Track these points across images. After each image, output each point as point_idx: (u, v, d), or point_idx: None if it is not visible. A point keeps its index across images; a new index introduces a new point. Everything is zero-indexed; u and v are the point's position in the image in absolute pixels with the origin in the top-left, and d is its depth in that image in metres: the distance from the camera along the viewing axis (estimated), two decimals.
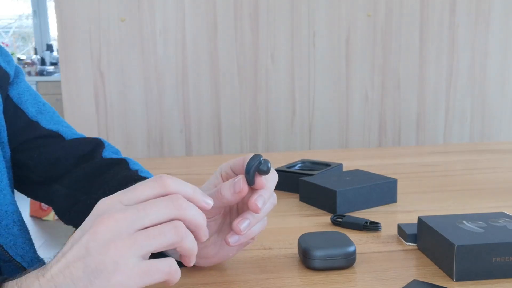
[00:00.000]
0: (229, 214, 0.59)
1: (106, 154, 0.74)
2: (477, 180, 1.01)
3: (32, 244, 0.70)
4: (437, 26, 1.75)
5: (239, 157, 0.56)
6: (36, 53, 5.56)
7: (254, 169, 0.51)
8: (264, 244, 0.68)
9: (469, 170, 1.12)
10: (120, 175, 0.69)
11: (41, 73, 5.18)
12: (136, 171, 0.71)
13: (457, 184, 0.99)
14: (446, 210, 0.81)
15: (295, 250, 0.65)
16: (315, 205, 0.85)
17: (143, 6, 1.59)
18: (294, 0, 1.67)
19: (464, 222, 0.62)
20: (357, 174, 0.91)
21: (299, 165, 1.03)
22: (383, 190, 0.85)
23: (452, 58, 1.79)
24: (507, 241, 0.55)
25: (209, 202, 0.47)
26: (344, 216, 0.76)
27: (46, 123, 0.73)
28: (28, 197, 0.76)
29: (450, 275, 0.56)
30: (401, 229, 0.69)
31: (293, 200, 0.89)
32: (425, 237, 0.63)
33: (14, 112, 0.71)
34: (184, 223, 0.44)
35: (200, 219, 0.45)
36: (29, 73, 5.13)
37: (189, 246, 0.44)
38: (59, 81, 3.54)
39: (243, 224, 0.53)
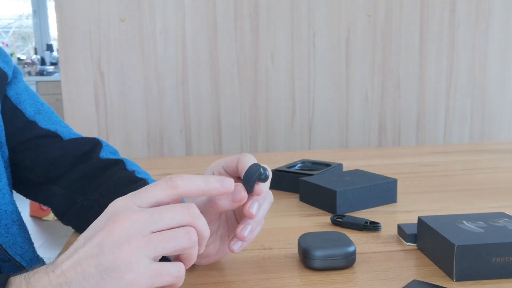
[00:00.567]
0: (225, 211, 0.59)
1: (104, 154, 0.74)
2: (477, 180, 1.01)
3: (32, 244, 0.70)
4: (437, 26, 1.75)
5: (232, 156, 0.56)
6: (36, 53, 5.56)
7: (255, 180, 0.51)
8: (264, 244, 0.68)
9: (469, 170, 1.12)
10: (117, 176, 0.69)
11: (41, 73, 5.18)
12: (133, 172, 0.71)
13: (457, 184, 0.98)
14: (446, 210, 0.81)
15: (295, 250, 0.65)
16: (315, 205, 0.85)
17: (143, 6, 1.59)
18: (294, 0, 1.67)
19: (464, 222, 0.62)
20: (357, 174, 0.91)
21: (299, 165, 1.03)
22: (383, 190, 0.85)
23: (452, 58, 1.78)
24: (507, 241, 0.55)
25: (228, 185, 0.48)
26: (344, 216, 0.76)
27: (44, 123, 0.73)
28: (26, 198, 0.76)
29: (450, 275, 0.56)
30: (401, 229, 0.69)
31: (293, 200, 0.89)
32: (425, 237, 0.63)
33: (12, 112, 0.71)
34: None
35: (207, 231, 0.46)
36: (29, 73, 5.13)
37: (195, 253, 0.46)
38: (59, 81, 3.54)
39: (246, 230, 0.54)
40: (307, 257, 0.59)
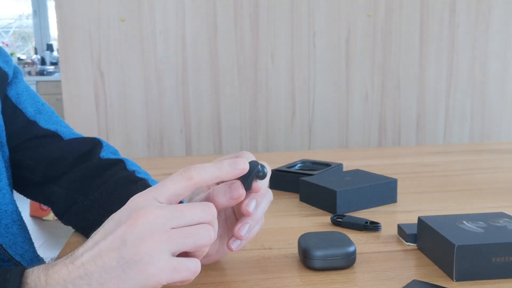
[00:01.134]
0: (224, 210, 0.59)
1: (104, 154, 0.74)
2: (477, 180, 1.01)
3: (32, 244, 0.70)
4: (437, 26, 1.75)
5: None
6: (36, 53, 5.56)
7: (253, 177, 0.51)
8: (264, 244, 0.68)
9: (469, 170, 1.12)
10: (117, 176, 0.69)
11: (41, 73, 5.18)
12: (133, 171, 0.71)
13: (457, 184, 0.98)
14: (446, 210, 0.81)
15: (295, 250, 0.65)
16: (315, 205, 0.85)
17: (143, 6, 1.59)
18: (294, 0, 1.67)
19: (464, 222, 0.62)
20: (357, 174, 0.91)
21: (299, 165, 1.03)
22: (383, 190, 0.85)
23: (452, 58, 1.78)
24: (507, 241, 0.55)
25: (241, 166, 0.49)
26: (344, 216, 0.76)
27: (45, 123, 0.73)
28: (27, 198, 0.76)
29: (450, 275, 0.56)
30: (401, 229, 0.69)
31: (293, 200, 0.89)
32: (425, 237, 0.63)
33: (13, 112, 0.71)
34: None
35: (215, 234, 0.47)
36: (29, 73, 5.13)
37: (207, 251, 0.47)
38: (59, 81, 3.54)
39: (244, 229, 0.54)
40: (307, 257, 0.59)
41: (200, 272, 0.59)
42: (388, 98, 1.78)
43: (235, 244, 0.55)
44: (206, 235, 0.45)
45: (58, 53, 2.64)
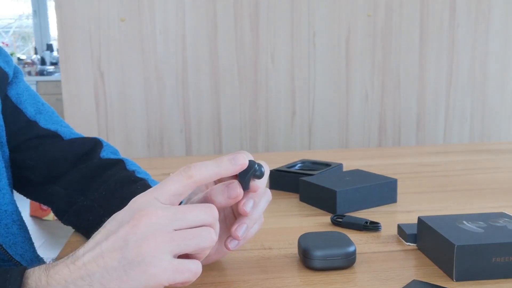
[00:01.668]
0: (223, 210, 0.59)
1: (104, 154, 0.74)
2: (477, 180, 1.01)
3: (32, 244, 0.70)
4: (437, 26, 1.75)
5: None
6: (36, 53, 5.56)
7: (250, 176, 0.51)
8: (264, 244, 0.68)
9: (469, 170, 1.12)
10: (117, 176, 0.69)
11: (41, 73, 5.18)
12: (133, 171, 0.71)
13: (457, 184, 0.98)
14: (446, 210, 0.81)
15: (295, 250, 0.65)
16: (315, 205, 0.85)
17: (143, 6, 1.59)
18: (294, 0, 1.67)
19: (464, 222, 0.62)
20: (357, 174, 0.91)
21: (299, 165, 1.03)
22: (383, 190, 0.85)
23: (452, 58, 1.78)
24: (507, 241, 0.55)
25: (240, 161, 0.49)
26: (344, 216, 0.76)
27: (45, 123, 0.73)
28: (27, 198, 0.76)
29: (450, 275, 0.56)
30: (401, 229, 0.69)
31: (293, 200, 0.89)
32: (425, 237, 0.63)
33: (13, 112, 0.71)
34: None
35: (217, 236, 0.47)
36: (29, 73, 5.13)
37: (208, 253, 0.47)
38: (59, 81, 3.53)
39: (241, 230, 0.54)
40: (307, 257, 0.59)
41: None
42: (388, 98, 1.78)
43: (232, 244, 0.55)
44: (208, 237, 0.45)
45: (58, 53, 2.64)
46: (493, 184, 0.98)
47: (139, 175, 0.70)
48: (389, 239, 0.69)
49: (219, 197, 0.51)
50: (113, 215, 0.46)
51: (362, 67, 1.74)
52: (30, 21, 5.73)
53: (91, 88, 1.61)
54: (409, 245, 0.66)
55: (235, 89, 1.68)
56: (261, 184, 0.53)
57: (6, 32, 5.91)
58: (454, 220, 0.63)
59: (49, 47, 5.54)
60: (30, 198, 0.76)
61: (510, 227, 0.60)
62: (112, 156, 0.74)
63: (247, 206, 0.53)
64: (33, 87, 5.00)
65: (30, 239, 0.69)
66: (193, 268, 0.44)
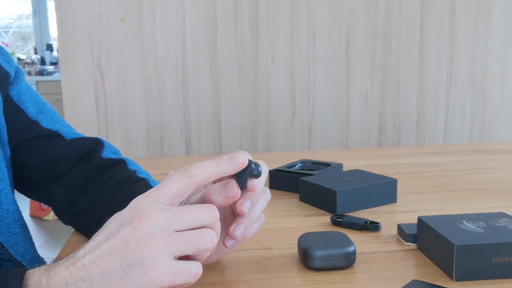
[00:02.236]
0: (222, 210, 0.59)
1: (106, 154, 0.74)
2: (477, 180, 1.01)
3: (33, 243, 0.70)
4: (437, 26, 1.75)
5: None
6: (36, 53, 5.56)
7: (246, 175, 0.51)
8: (264, 244, 0.68)
9: (469, 170, 1.12)
10: (118, 176, 0.69)
11: (41, 73, 5.18)
12: (134, 171, 0.71)
13: (457, 184, 0.99)
14: (446, 210, 0.81)
15: (295, 250, 0.65)
16: (315, 205, 0.85)
17: (143, 6, 1.59)
18: (294, 0, 1.67)
19: (464, 222, 0.62)
20: (357, 174, 0.91)
21: (299, 165, 1.03)
22: (383, 190, 0.85)
23: (452, 58, 1.79)
24: (507, 241, 0.55)
25: (240, 160, 0.49)
26: (344, 216, 0.76)
27: (46, 123, 0.73)
28: (28, 197, 0.76)
29: (450, 275, 0.56)
30: (401, 229, 0.69)
31: (293, 200, 0.89)
32: (425, 237, 0.63)
33: (14, 112, 0.71)
34: None
35: (217, 237, 0.47)
36: (29, 73, 5.13)
37: (207, 255, 0.47)
38: (59, 81, 3.53)
39: (239, 230, 0.54)
40: (307, 257, 0.59)
41: None
42: (388, 98, 1.78)
43: (230, 243, 0.55)
44: (209, 239, 0.45)
45: (58, 53, 2.64)
46: (493, 184, 0.98)
47: (140, 175, 0.70)
48: (389, 239, 0.69)
49: (217, 197, 0.52)
50: (114, 215, 0.46)
51: (362, 67, 1.74)
52: (30, 21, 5.73)
53: (91, 88, 1.61)
54: (409, 245, 0.67)
55: (235, 89, 1.68)
56: (259, 184, 0.53)
57: (6, 32, 5.91)
58: (454, 220, 0.63)
59: (49, 47, 5.54)
60: (31, 198, 0.76)
61: (510, 227, 0.60)
62: (113, 156, 0.74)
63: (243, 206, 0.53)
64: (33, 87, 4.98)
65: (30, 239, 0.70)
66: (194, 270, 0.44)
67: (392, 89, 1.77)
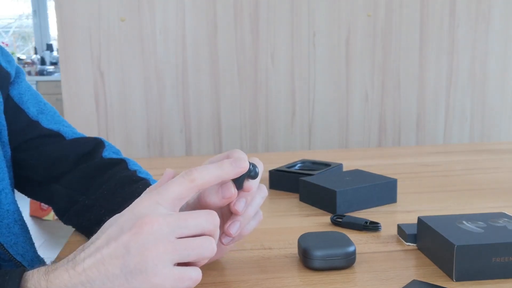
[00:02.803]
0: (220, 209, 0.58)
1: (106, 154, 0.74)
2: (477, 180, 1.01)
3: (33, 244, 0.70)
4: (437, 26, 1.75)
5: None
6: (36, 53, 5.56)
7: (244, 176, 0.52)
8: (264, 244, 0.68)
9: (469, 170, 1.12)
10: (119, 175, 0.69)
11: (41, 72, 5.18)
12: (135, 171, 0.71)
13: (457, 184, 0.99)
14: (446, 210, 0.81)
15: (295, 250, 0.65)
16: (315, 205, 0.85)
17: (143, 6, 1.59)
18: (294, 0, 1.67)
19: (464, 222, 0.62)
20: (357, 174, 0.91)
21: (299, 165, 1.03)
22: (383, 190, 0.85)
23: (452, 58, 1.79)
24: (507, 241, 0.55)
25: (242, 165, 0.49)
26: (344, 216, 0.76)
27: (47, 123, 0.73)
28: (28, 197, 0.76)
29: (450, 275, 0.56)
30: (401, 229, 0.69)
31: (293, 200, 0.89)
32: (425, 237, 0.63)
33: (15, 112, 0.71)
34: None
35: (215, 244, 0.47)
36: (29, 73, 5.13)
37: (206, 261, 0.47)
38: (59, 81, 3.53)
39: (234, 228, 0.54)
40: (307, 257, 0.59)
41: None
42: (388, 98, 1.78)
43: (225, 240, 0.55)
44: (210, 248, 0.45)
45: (58, 53, 2.64)
46: (493, 184, 0.98)
47: (140, 175, 0.70)
48: (389, 239, 0.69)
49: (213, 197, 0.52)
50: (113, 217, 0.46)
51: (362, 67, 1.74)
52: (30, 21, 5.72)
53: (91, 88, 1.61)
54: (409, 245, 0.67)
55: (235, 89, 1.68)
56: (254, 184, 0.53)
57: (6, 32, 5.91)
58: (454, 220, 0.63)
59: (49, 47, 5.54)
60: (31, 198, 0.76)
61: (510, 227, 0.60)
62: (114, 156, 0.75)
63: (238, 205, 0.53)
64: (33, 87, 4.98)
65: (30, 239, 0.70)
66: (194, 276, 0.44)
67: (392, 89, 1.77)
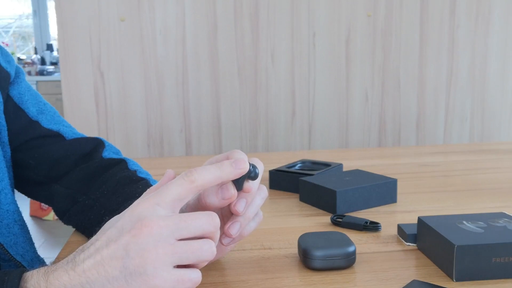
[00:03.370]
0: (220, 209, 0.59)
1: (106, 154, 0.74)
2: (477, 180, 1.01)
3: (32, 244, 0.70)
4: (437, 26, 1.75)
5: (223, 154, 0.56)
6: (36, 53, 5.56)
7: (244, 177, 0.51)
8: (264, 244, 0.68)
9: (469, 170, 1.12)
10: (119, 175, 0.69)
11: (41, 72, 5.18)
12: (135, 171, 0.71)
13: (457, 184, 0.99)
14: (446, 210, 0.81)
15: (295, 250, 0.65)
16: (315, 205, 0.85)
17: (143, 6, 1.59)
18: (294, 0, 1.67)
19: (464, 222, 0.62)
20: (357, 174, 0.91)
21: (299, 165, 1.03)
22: (383, 190, 0.85)
23: (452, 58, 1.79)
24: (507, 241, 0.55)
25: (241, 166, 0.49)
26: (344, 216, 0.76)
27: (47, 123, 0.73)
28: (28, 197, 0.76)
29: (450, 275, 0.56)
30: (401, 229, 0.69)
31: (293, 200, 0.89)
32: (425, 237, 0.63)
33: (15, 112, 0.71)
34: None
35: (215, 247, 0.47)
36: (29, 73, 5.13)
37: (206, 263, 0.46)
38: (59, 81, 3.53)
39: (234, 228, 0.54)
40: (307, 257, 0.59)
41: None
42: (388, 98, 1.78)
43: (225, 240, 0.55)
44: (210, 250, 0.45)
45: (58, 53, 2.65)
46: (493, 184, 0.98)
47: (140, 175, 0.70)
48: (389, 239, 0.69)
49: (213, 198, 0.52)
50: (113, 219, 0.46)
51: (362, 67, 1.74)
52: (30, 21, 5.73)
53: (91, 88, 1.61)
54: (409, 245, 0.67)
55: (235, 89, 1.68)
56: (254, 185, 0.53)
57: (6, 32, 5.91)
58: (454, 220, 0.63)
59: (49, 47, 5.54)
60: (31, 198, 0.76)
61: (510, 227, 0.60)
62: (114, 156, 0.75)
63: (238, 206, 0.53)
64: (33, 87, 4.98)
65: (30, 239, 0.70)
66: (194, 278, 0.44)
67: (392, 89, 1.77)
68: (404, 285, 0.54)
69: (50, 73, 5.18)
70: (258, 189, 0.55)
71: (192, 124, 1.68)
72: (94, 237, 0.45)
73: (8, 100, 0.71)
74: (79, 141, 0.74)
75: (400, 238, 0.69)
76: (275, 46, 1.68)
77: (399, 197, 0.88)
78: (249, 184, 0.52)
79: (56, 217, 0.74)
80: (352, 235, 0.70)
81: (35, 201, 0.78)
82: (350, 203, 0.81)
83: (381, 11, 1.72)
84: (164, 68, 1.63)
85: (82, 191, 0.70)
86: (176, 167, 1.24)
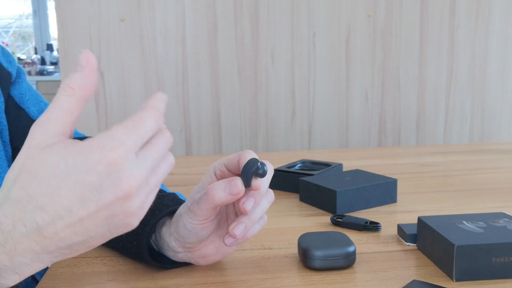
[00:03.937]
0: (225, 210, 0.59)
1: None
2: (477, 180, 1.01)
3: None
4: (437, 26, 1.75)
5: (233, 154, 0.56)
6: (36, 53, 5.56)
7: (252, 174, 0.51)
8: (264, 244, 0.68)
9: (469, 170, 1.12)
10: None
11: (41, 72, 5.18)
12: None
13: (457, 184, 0.99)
14: (446, 210, 0.81)
15: (295, 250, 0.65)
16: (315, 205, 0.85)
17: (143, 6, 1.59)
18: (294, 0, 1.67)
19: (464, 222, 0.62)
20: (357, 174, 0.91)
21: (299, 165, 1.03)
22: (383, 190, 0.85)
23: (452, 58, 1.79)
24: (507, 241, 0.55)
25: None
26: (344, 216, 0.76)
27: None
28: None
29: (450, 275, 0.56)
30: (401, 229, 0.69)
31: (293, 200, 0.89)
32: (425, 237, 0.63)
33: (16, 112, 0.71)
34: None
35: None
36: (29, 73, 5.13)
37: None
38: (59, 81, 3.53)
39: (238, 229, 0.53)
40: (307, 257, 0.59)
41: (200, 272, 0.59)
42: (388, 98, 1.78)
43: (229, 240, 0.55)
44: (166, 141, 0.45)
45: (58, 53, 2.65)
46: (493, 184, 0.98)
47: None
48: (389, 239, 0.69)
49: (221, 193, 0.51)
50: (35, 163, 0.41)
51: (362, 67, 1.74)
52: (30, 21, 5.73)
53: None
54: (409, 245, 0.67)
55: (235, 89, 1.68)
56: (263, 183, 0.53)
57: (6, 32, 5.91)
58: (454, 220, 0.63)
59: (49, 47, 5.54)
60: None
61: (510, 227, 0.60)
62: None
63: (247, 204, 0.52)
64: (33, 87, 4.99)
65: None
66: (168, 162, 0.44)
67: (392, 89, 1.77)
68: (404, 285, 0.54)
69: (50, 73, 5.19)
70: (266, 192, 0.55)
71: (192, 124, 1.68)
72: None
73: (9, 100, 0.71)
74: None
75: (400, 238, 0.69)
76: (275, 46, 1.68)
77: (399, 197, 0.88)
78: (257, 182, 0.52)
79: None
80: (352, 235, 0.70)
81: None
82: (350, 203, 0.81)
83: (381, 11, 1.72)
84: (164, 68, 1.63)
85: None
86: (176, 167, 1.24)
